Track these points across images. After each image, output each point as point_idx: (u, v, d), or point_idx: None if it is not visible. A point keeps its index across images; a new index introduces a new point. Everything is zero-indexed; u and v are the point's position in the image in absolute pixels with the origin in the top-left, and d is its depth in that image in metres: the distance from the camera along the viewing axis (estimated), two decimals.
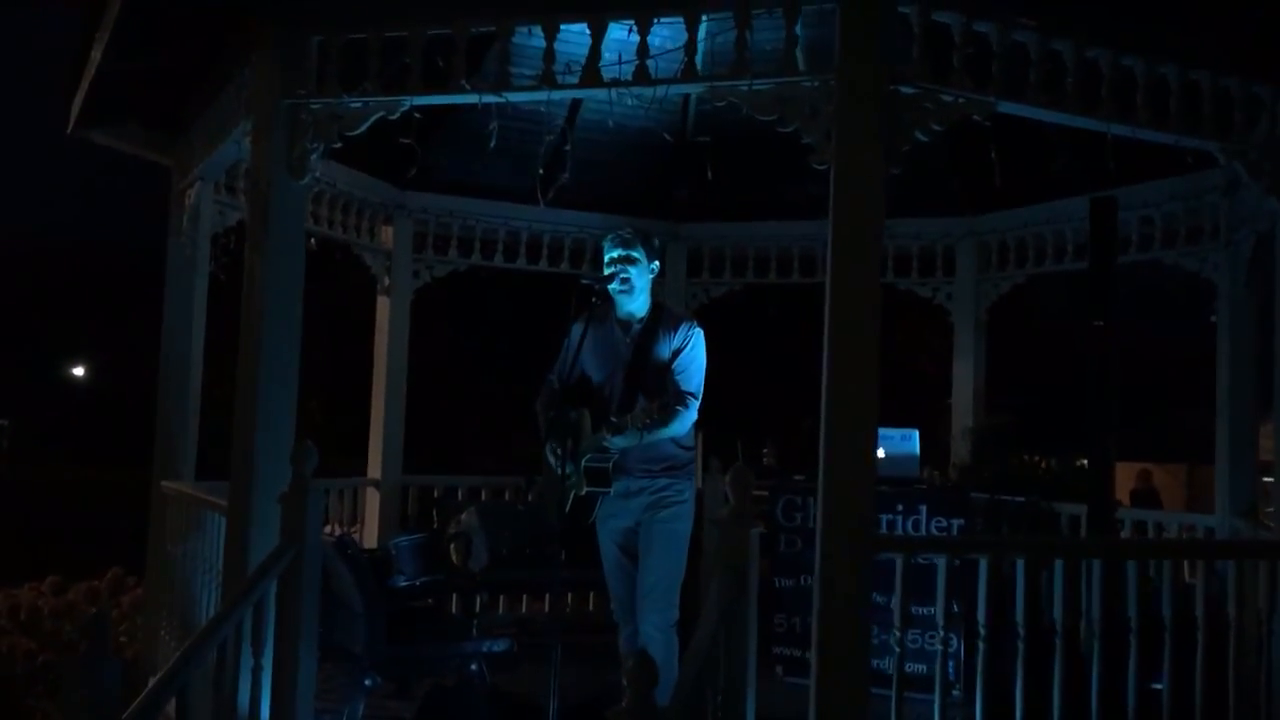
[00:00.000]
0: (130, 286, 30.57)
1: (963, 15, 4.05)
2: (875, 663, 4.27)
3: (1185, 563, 5.31)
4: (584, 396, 4.62)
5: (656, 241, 4.74)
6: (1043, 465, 7.84)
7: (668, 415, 4.39)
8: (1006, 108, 4.13)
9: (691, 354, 4.53)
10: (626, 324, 4.64)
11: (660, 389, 4.48)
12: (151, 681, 5.37)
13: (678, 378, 4.49)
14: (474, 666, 4.99)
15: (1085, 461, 6.56)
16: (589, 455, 4.47)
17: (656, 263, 4.67)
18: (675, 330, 4.56)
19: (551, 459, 4.54)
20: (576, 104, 6.72)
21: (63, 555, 10.05)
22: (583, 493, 4.48)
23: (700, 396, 4.52)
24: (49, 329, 34.35)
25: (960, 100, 4.01)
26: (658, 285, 4.72)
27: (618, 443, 4.41)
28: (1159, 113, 4.29)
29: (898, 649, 4.02)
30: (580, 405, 4.58)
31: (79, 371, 38.32)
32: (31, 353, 34.77)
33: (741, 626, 3.69)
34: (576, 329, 4.71)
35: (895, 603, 4.05)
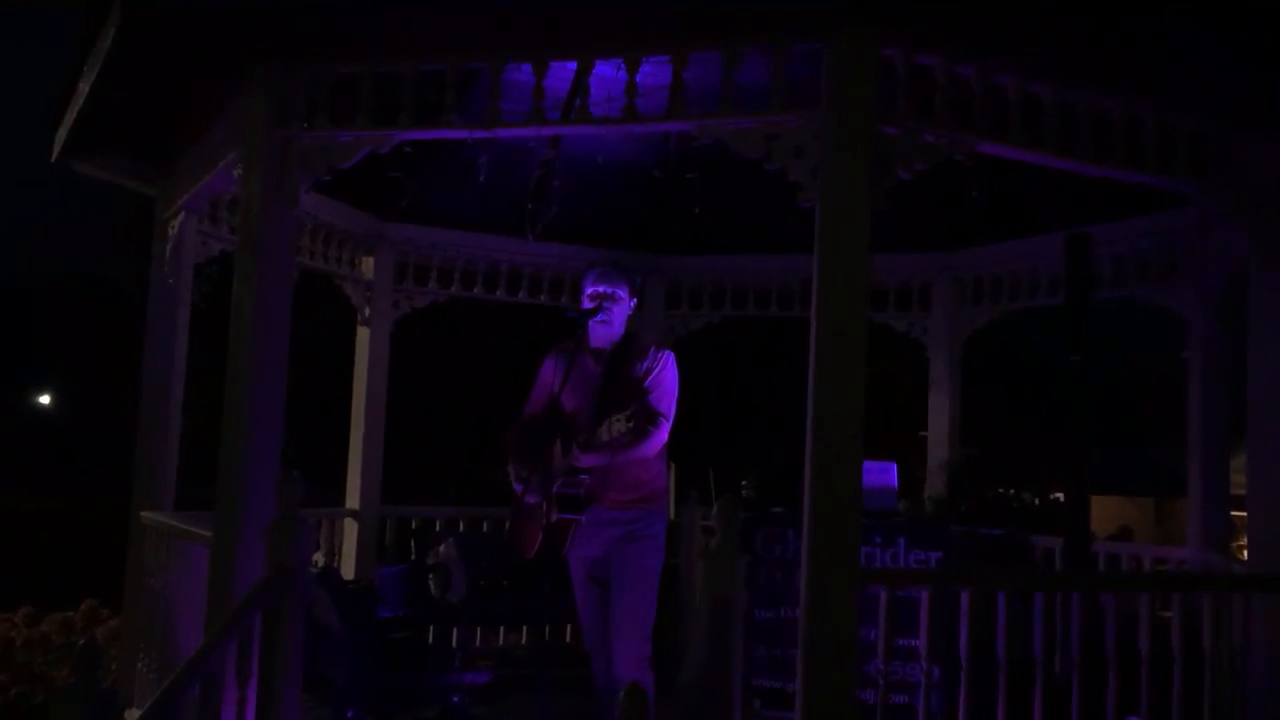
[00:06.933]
0: (98, 315, 30.33)
1: (944, 58, 4.14)
2: (858, 693, 4.30)
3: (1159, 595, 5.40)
4: (557, 426, 4.66)
5: (639, 279, 4.79)
6: (1018, 498, 7.92)
7: (638, 435, 4.43)
8: (987, 148, 4.21)
9: (661, 375, 4.57)
10: (599, 354, 4.69)
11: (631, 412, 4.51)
12: (132, 714, 5.34)
13: (648, 398, 4.53)
14: (455, 699, 4.99)
15: (1060, 495, 6.65)
16: (560, 481, 4.49)
17: (636, 299, 4.74)
18: (645, 354, 4.61)
19: (520, 487, 4.58)
20: (558, 136, 6.78)
21: (33, 586, 9.92)
22: (554, 520, 4.50)
23: (671, 418, 4.55)
24: (12, 356, 33.93)
25: (942, 141, 4.09)
26: (633, 316, 4.79)
27: (587, 461, 4.44)
28: (1136, 154, 4.39)
29: (882, 681, 4.06)
30: (553, 435, 4.62)
31: (44, 400, 37.87)
32: None
33: (728, 657, 3.72)
34: (549, 361, 4.77)
35: (879, 635, 4.09)
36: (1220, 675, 4.44)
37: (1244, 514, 4.91)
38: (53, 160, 6.35)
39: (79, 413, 32.69)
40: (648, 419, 4.46)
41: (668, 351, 4.64)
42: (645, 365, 4.57)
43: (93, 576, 8.90)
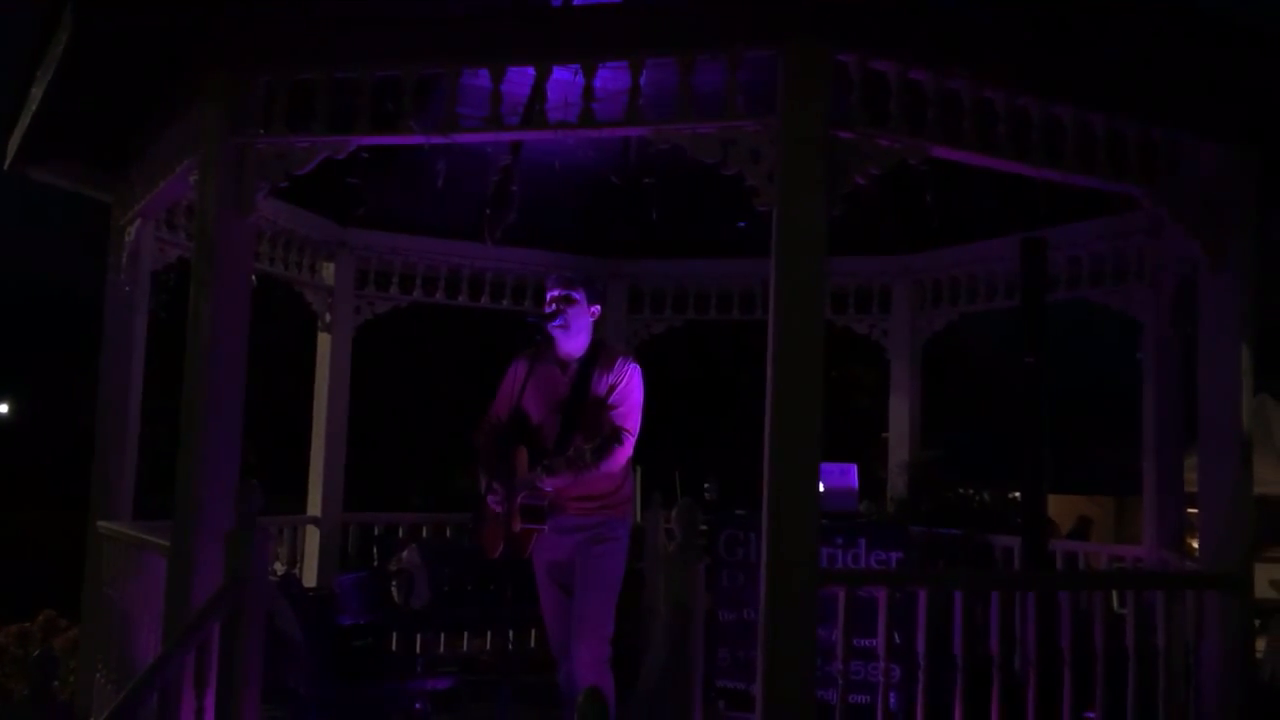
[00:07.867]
0: (55, 323, 29.95)
1: (898, 64, 4.17)
2: (819, 693, 4.33)
3: (1115, 593, 5.47)
4: (522, 434, 4.67)
5: (600, 286, 4.82)
6: (977, 498, 8.00)
7: (601, 454, 4.47)
8: (941, 153, 4.25)
9: (627, 389, 4.61)
10: (564, 363, 4.71)
11: (596, 426, 4.55)
12: None
13: (613, 413, 4.57)
14: (418, 705, 4.98)
15: (1018, 494, 6.73)
16: (524, 493, 4.51)
17: (598, 306, 4.75)
18: (611, 367, 4.64)
19: (487, 496, 4.59)
20: (518, 142, 6.76)
21: None
22: (518, 530, 4.52)
23: (636, 433, 4.60)
24: None
25: (897, 145, 4.13)
26: (598, 322, 4.80)
27: (552, 485, 4.48)
28: (1087, 159, 4.44)
29: (841, 681, 4.09)
30: (518, 443, 4.63)
31: (1, 409, 37.38)
32: None
33: (687, 660, 3.73)
34: (516, 366, 4.78)
35: (838, 635, 4.12)
36: (1174, 671, 4.51)
37: (1197, 511, 4.98)
38: (6, 167, 6.28)
39: (37, 422, 32.28)
40: (612, 436, 4.51)
41: (633, 365, 4.67)
42: (610, 380, 4.60)
43: (51, 587, 8.80)
